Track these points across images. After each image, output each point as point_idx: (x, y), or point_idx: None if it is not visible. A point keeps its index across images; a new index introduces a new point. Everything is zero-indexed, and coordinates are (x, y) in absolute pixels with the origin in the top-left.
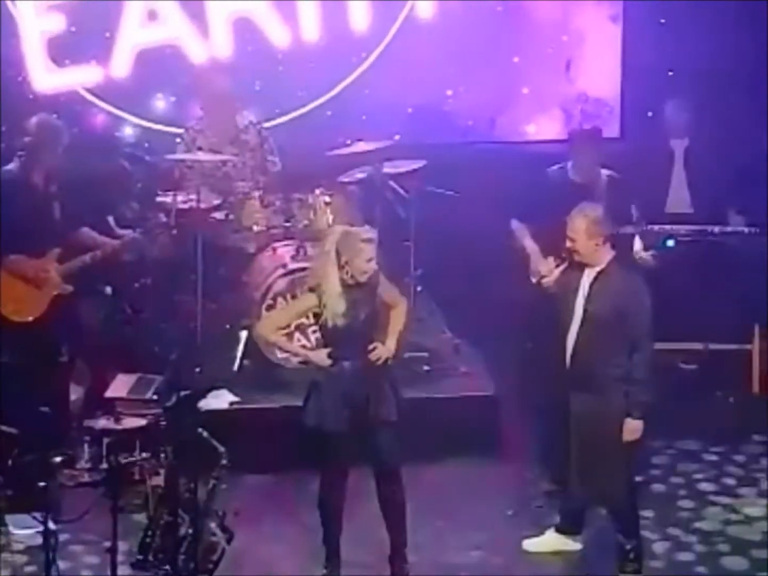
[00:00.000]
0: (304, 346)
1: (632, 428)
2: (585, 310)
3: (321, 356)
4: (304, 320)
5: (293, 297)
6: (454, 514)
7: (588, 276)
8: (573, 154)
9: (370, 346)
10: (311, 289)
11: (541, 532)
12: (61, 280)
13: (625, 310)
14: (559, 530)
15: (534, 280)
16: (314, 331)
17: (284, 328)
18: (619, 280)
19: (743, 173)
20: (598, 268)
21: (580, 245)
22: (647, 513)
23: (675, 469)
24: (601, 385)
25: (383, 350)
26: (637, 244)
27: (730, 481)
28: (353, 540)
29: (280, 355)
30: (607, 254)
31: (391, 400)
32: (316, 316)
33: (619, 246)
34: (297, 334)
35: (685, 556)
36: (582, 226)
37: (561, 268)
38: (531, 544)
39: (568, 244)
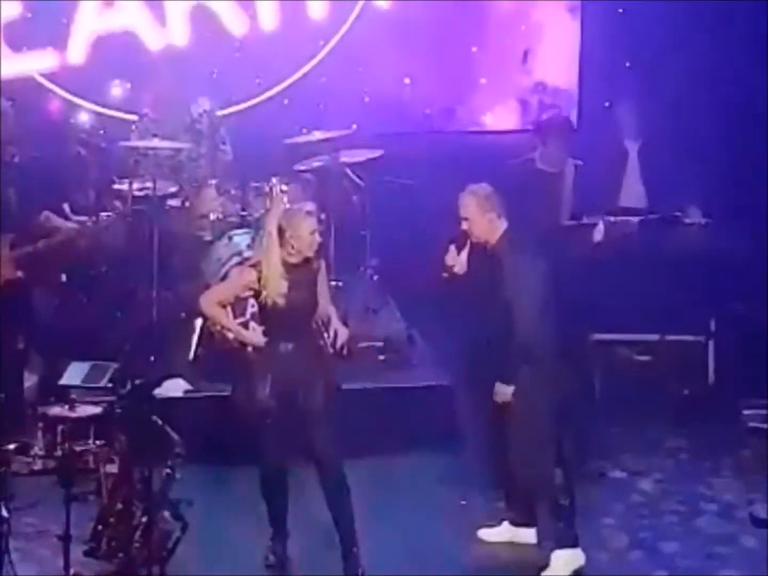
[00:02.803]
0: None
1: (501, 391)
2: (487, 289)
3: (257, 335)
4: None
5: None
6: (408, 502)
7: (480, 257)
8: (542, 143)
9: (330, 331)
10: (252, 266)
11: (498, 523)
12: (13, 267)
13: (507, 282)
14: (513, 522)
15: (445, 275)
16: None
17: (224, 304)
18: (507, 254)
19: (698, 167)
20: (491, 244)
21: (476, 223)
22: (605, 498)
23: (632, 457)
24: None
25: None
26: (597, 233)
27: (687, 468)
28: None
29: (234, 343)
30: (500, 229)
31: (321, 388)
32: (257, 296)
33: (580, 234)
34: (253, 324)
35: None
36: (473, 203)
37: (465, 253)
38: (486, 534)
39: (464, 225)
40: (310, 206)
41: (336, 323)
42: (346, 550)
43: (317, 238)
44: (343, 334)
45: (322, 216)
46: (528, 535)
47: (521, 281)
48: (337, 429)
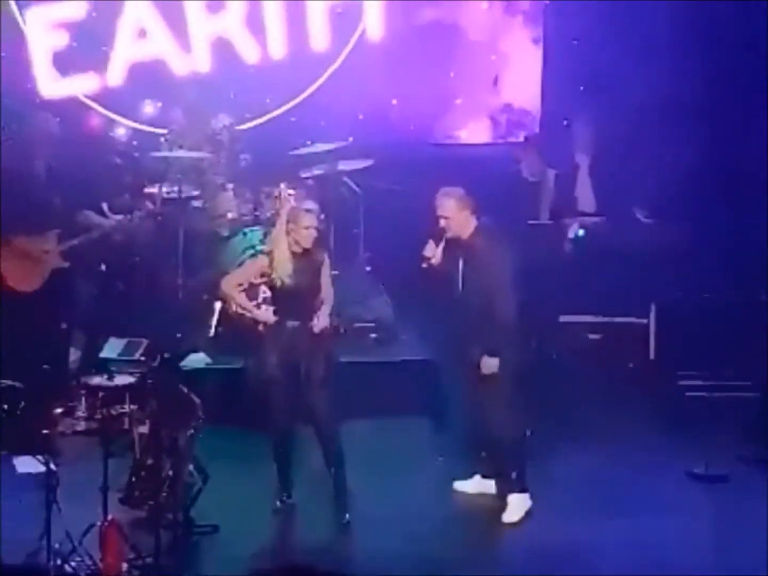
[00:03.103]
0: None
1: (488, 364)
2: (458, 276)
3: (268, 314)
4: (269, 294)
5: (261, 275)
6: (393, 460)
7: (460, 251)
8: (527, 156)
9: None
10: (266, 253)
11: (470, 476)
12: (60, 257)
13: (482, 270)
14: (483, 475)
15: (424, 266)
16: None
17: (241, 286)
18: (480, 246)
19: (642, 176)
20: (464, 239)
21: (454, 221)
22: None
23: (585, 419)
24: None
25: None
26: (571, 232)
27: (632, 429)
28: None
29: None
30: (472, 226)
31: (321, 360)
32: (269, 279)
33: (555, 233)
34: (264, 307)
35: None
36: (451, 203)
37: (441, 246)
38: (460, 485)
39: (443, 223)
40: (310, 204)
41: (322, 313)
42: (338, 498)
43: (313, 232)
44: (321, 323)
45: (323, 216)
46: (494, 486)
47: (495, 269)
48: (334, 395)
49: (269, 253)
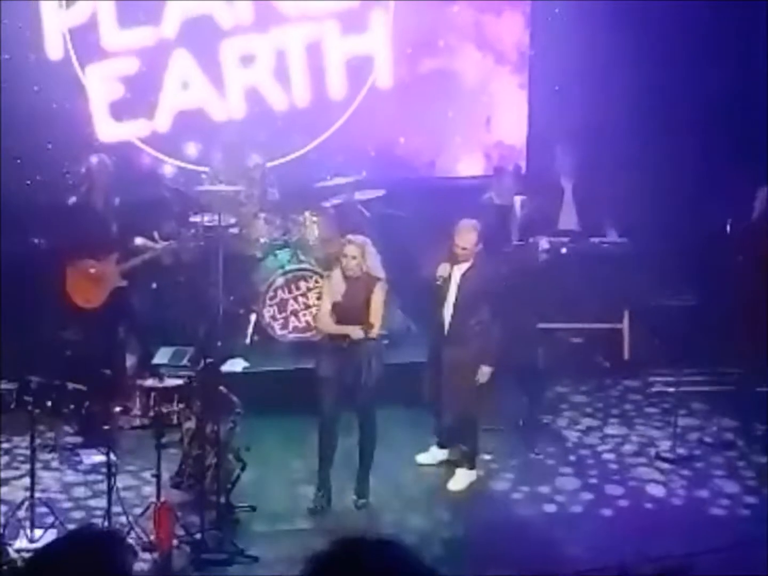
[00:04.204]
0: (308, 323)
1: (485, 372)
2: (458, 292)
3: (356, 330)
4: (297, 307)
5: (289, 290)
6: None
7: (459, 268)
8: (497, 185)
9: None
10: (327, 277)
11: (427, 449)
12: (119, 277)
13: (485, 289)
14: (438, 445)
15: (438, 282)
16: (304, 316)
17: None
18: (482, 268)
19: (616, 200)
20: (467, 264)
21: (470, 251)
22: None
23: (567, 412)
24: (467, 341)
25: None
26: (542, 249)
27: (608, 420)
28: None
29: (279, 332)
30: (477, 251)
31: (369, 366)
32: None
33: (527, 250)
34: (292, 318)
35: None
36: (474, 237)
37: (449, 267)
38: (421, 458)
39: (460, 252)
40: (353, 238)
41: (354, 329)
42: (361, 477)
43: (353, 263)
44: (357, 334)
45: (342, 239)
46: (445, 453)
47: (494, 287)
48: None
49: (329, 277)
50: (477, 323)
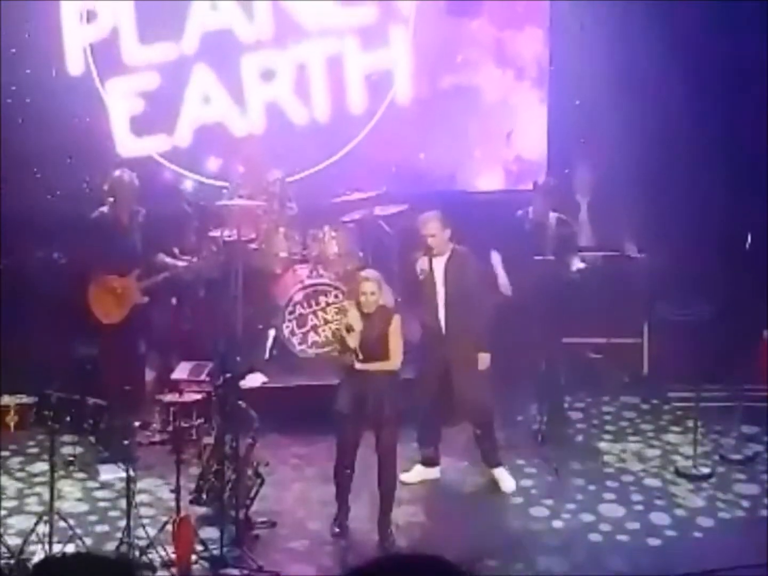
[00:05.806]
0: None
1: (483, 359)
2: (445, 288)
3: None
4: (316, 322)
5: (309, 305)
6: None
7: (439, 263)
8: (534, 201)
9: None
10: (345, 310)
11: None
12: (139, 294)
13: (468, 281)
14: (423, 464)
15: (421, 277)
16: (323, 331)
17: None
18: (461, 262)
19: (634, 216)
20: (446, 256)
21: (438, 238)
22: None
23: (587, 422)
24: (465, 334)
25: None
26: (574, 264)
27: (628, 431)
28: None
29: (298, 347)
30: (451, 245)
31: (388, 401)
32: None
33: (558, 265)
34: (311, 333)
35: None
36: (436, 224)
37: (427, 260)
38: (405, 477)
39: (430, 241)
40: (368, 273)
41: (379, 365)
42: (383, 512)
43: (370, 299)
44: (374, 367)
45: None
46: (430, 472)
47: (475, 281)
48: (398, 426)
49: (343, 311)
50: (470, 314)
